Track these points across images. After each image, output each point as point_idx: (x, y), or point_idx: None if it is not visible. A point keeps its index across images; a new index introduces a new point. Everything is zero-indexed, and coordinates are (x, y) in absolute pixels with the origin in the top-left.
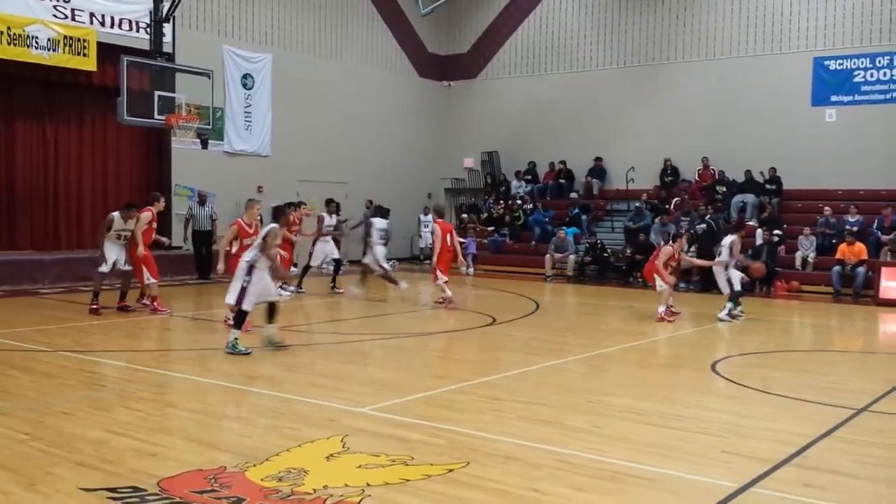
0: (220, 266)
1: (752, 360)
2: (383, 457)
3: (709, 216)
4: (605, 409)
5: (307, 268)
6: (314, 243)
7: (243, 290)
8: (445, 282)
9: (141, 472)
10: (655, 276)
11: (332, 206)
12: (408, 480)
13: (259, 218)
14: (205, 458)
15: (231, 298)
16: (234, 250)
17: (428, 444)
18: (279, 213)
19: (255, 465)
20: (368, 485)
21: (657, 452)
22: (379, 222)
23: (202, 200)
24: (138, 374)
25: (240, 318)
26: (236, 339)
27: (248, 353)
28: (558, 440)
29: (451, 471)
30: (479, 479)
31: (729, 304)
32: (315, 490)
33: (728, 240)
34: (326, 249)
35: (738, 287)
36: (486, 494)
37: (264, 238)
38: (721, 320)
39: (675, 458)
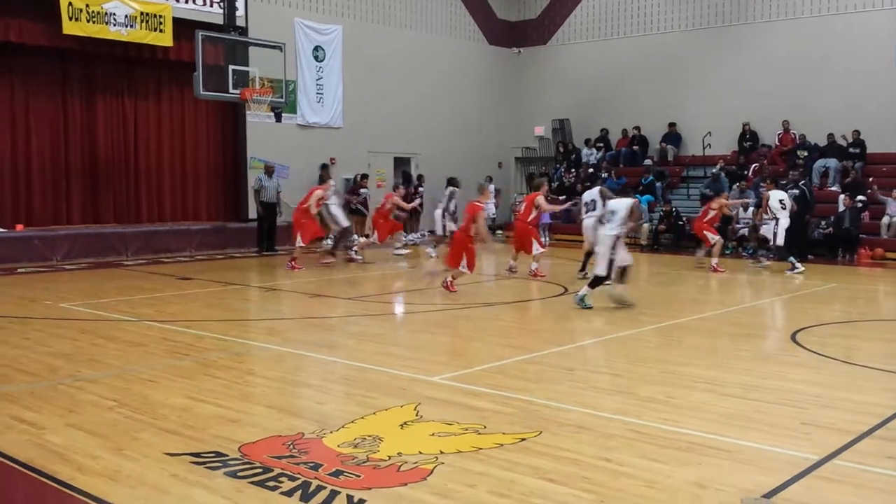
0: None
1: (834, 330)
2: (456, 425)
3: (803, 182)
4: (681, 379)
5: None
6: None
7: (611, 262)
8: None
9: (222, 438)
10: (705, 232)
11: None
12: (480, 449)
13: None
14: (283, 424)
15: (601, 270)
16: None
17: (500, 413)
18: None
19: (331, 432)
20: (442, 452)
21: (735, 424)
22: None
23: (269, 172)
24: (219, 343)
25: (596, 282)
26: (585, 295)
27: (590, 308)
28: (632, 410)
29: (523, 440)
30: (552, 449)
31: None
32: (390, 457)
33: (623, 204)
34: None
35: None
36: (559, 463)
37: (630, 211)
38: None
39: (754, 430)
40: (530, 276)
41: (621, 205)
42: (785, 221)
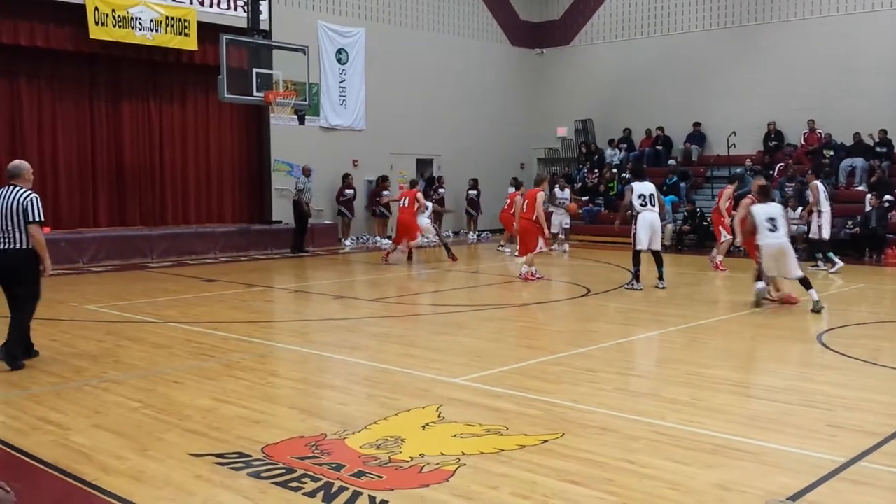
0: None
1: (861, 331)
2: (478, 427)
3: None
4: (705, 381)
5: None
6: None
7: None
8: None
9: (246, 439)
10: (720, 227)
11: (562, 180)
12: (503, 450)
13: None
14: (306, 425)
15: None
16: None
17: (522, 414)
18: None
19: (353, 433)
20: (464, 454)
21: (760, 426)
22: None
23: (307, 173)
24: (243, 345)
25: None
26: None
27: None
28: (656, 412)
29: (545, 441)
30: (575, 451)
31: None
32: (412, 458)
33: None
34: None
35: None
36: (582, 465)
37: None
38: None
39: (779, 432)
40: (521, 278)
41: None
42: (828, 214)
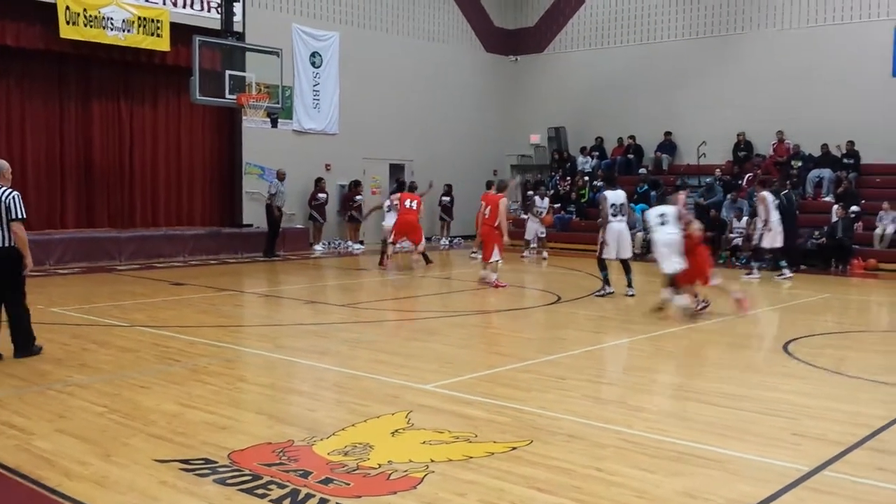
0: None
1: (826, 341)
2: (447, 433)
3: (784, 192)
4: (672, 389)
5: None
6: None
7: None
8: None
9: (212, 445)
10: None
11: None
12: (471, 457)
13: None
14: (273, 431)
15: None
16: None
17: (491, 421)
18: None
19: (321, 440)
20: (432, 461)
21: (726, 434)
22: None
23: (281, 178)
24: (211, 349)
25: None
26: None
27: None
28: (623, 420)
29: (514, 449)
30: (543, 458)
31: None
32: (380, 465)
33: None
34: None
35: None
36: (550, 473)
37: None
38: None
39: (744, 440)
40: (484, 283)
41: (669, 207)
42: (778, 224)
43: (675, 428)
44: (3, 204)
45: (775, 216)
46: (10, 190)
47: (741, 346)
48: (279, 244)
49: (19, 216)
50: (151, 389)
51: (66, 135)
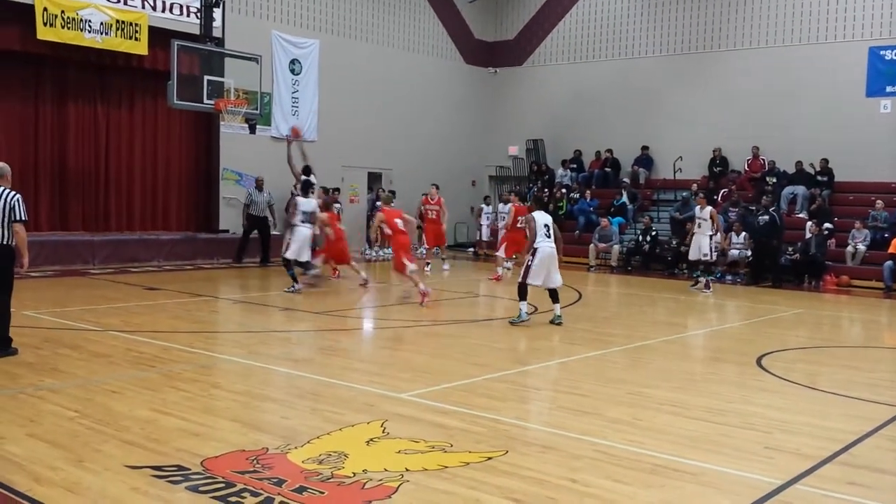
0: None
1: (799, 356)
2: (422, 443)
3: (773, 209)
4: (647, 401)
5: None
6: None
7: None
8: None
9: (185, 452)
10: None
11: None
12: (446, 467)
13: None
14: (248, 438)
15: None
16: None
17: (467, 431)
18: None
19: (296, 448)
20: (407, 470)
21: (699, 447)
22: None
23: (259, 186)
24: (185, 355)
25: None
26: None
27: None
28: (598, 431)
29: (489, 459)
30: (518, 468)
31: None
32: (354, 474)
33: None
34: None
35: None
36: (525, 483)
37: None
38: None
39: (718, 453)
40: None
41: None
42: (718, 237)
43: (650, 440)
44: (7, 205)
45: (714, 229)
46: (15, 192)
47: (715, 360)
48: (253, 250)
49: (22, 218)
50: (124, 395)
51: (41, 137)
